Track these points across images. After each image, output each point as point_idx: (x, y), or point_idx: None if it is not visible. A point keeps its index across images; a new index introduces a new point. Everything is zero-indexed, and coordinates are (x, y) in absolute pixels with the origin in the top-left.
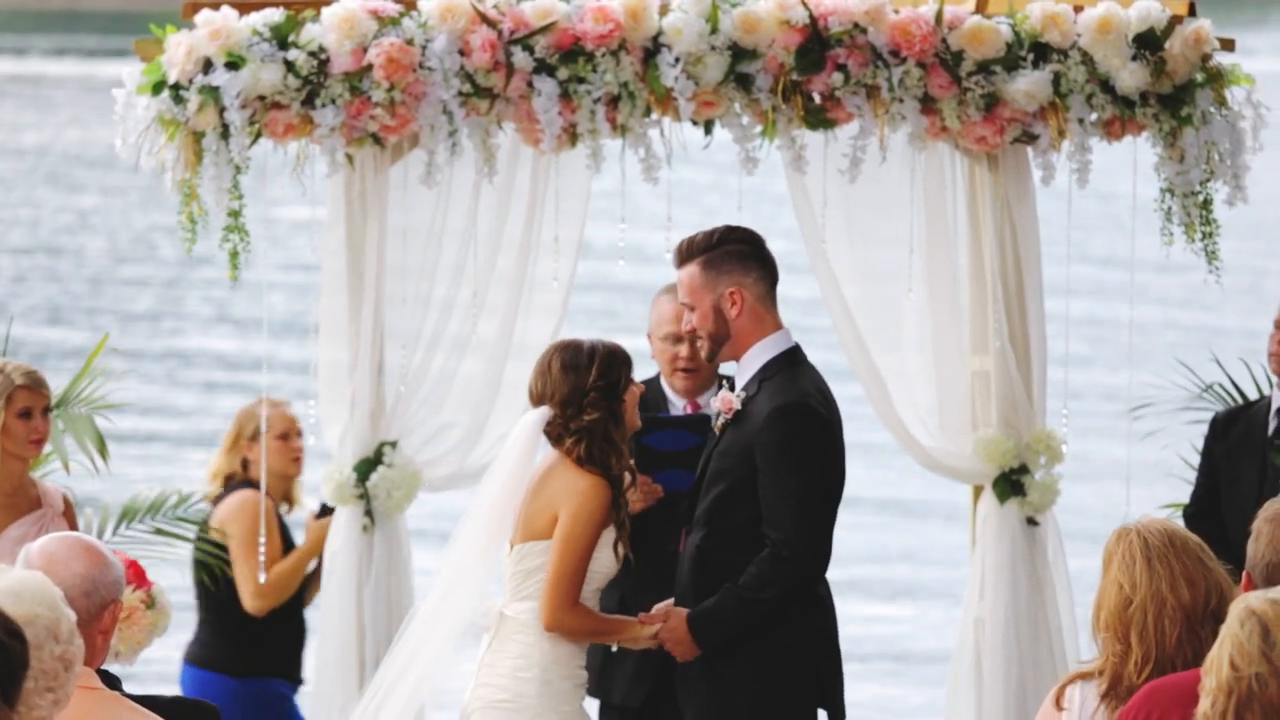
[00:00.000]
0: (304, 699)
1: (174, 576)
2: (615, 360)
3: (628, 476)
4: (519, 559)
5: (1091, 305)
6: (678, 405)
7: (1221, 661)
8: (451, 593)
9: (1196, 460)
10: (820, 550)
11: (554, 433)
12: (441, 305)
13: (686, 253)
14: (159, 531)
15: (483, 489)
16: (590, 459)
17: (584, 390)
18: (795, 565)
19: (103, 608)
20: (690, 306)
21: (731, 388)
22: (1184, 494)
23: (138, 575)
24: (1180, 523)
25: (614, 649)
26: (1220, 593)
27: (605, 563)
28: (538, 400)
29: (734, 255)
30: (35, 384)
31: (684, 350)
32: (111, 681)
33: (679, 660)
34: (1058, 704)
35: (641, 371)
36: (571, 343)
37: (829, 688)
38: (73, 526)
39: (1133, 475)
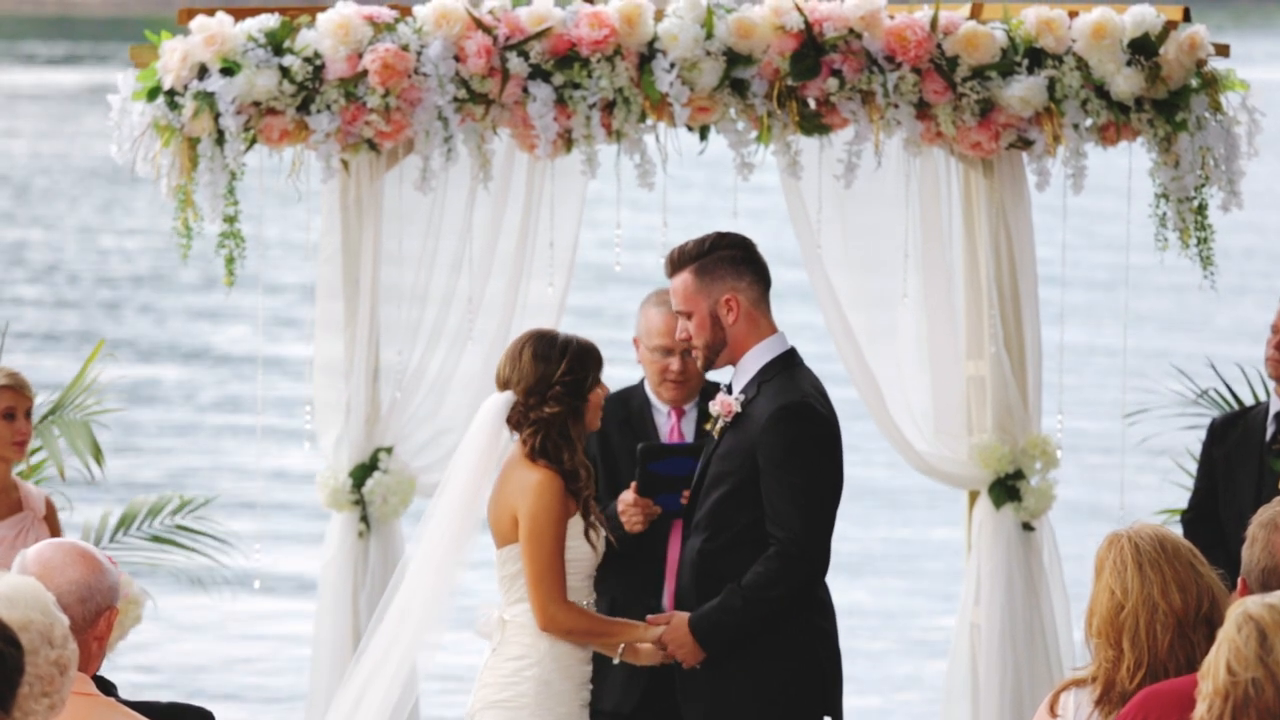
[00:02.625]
0: (300, 704)
1: (169, 585)
2: (586, 358)
3: (584, 472)
4: (501, 564)
5: (1087, 309)
6: (662, 411)
7: (1218, 666)
8: (424, 574)
9: (1192, 466)
10: (826, 550)
11: (514, 419)
12: (437, 310)
13: (678, 261)
14: (156, 539)
15: (451, 470)
16: (543, 452)
17: (550, 382)
18: (803, 564)
19: (98, 614)
20: (686, 314)
21: (729, 392)
22: (1181, 499)
23: None
24: (1177, 528)
25: (616, 661)
26: (1212, 598)
27: (582, 552)
28: (503, 385)
29: (726, 261)
30: (18, 385)
31: (675, 364)
32: (107, 688)
33: (684, 666)
34: (1052, 711)
35: (629, 378)
36: (547, 333)
37: (830, 692)
38: (55, 531)
39: (1128, 480)
